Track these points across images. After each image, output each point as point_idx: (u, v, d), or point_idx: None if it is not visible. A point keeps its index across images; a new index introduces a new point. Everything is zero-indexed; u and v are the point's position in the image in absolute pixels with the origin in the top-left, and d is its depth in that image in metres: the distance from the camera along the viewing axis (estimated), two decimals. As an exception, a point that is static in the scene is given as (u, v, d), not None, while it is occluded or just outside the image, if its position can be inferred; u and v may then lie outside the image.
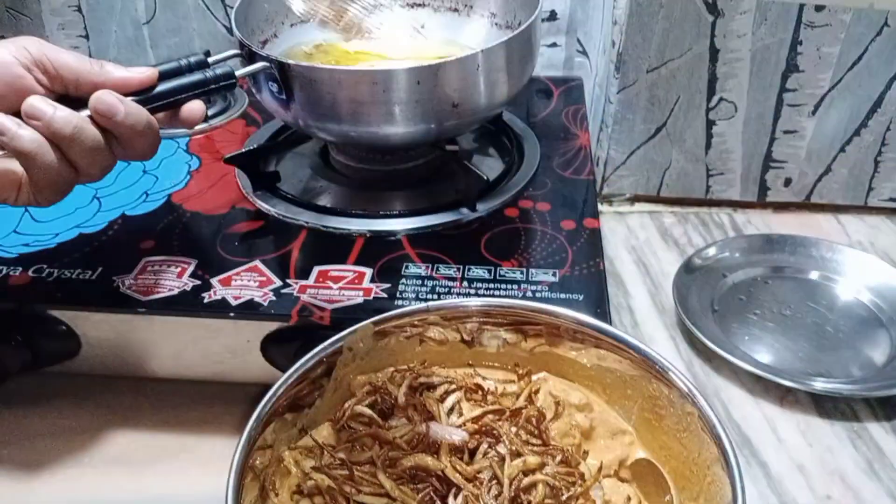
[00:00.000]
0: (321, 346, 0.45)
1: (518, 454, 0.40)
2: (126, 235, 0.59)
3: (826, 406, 0.55)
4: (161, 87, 0.48)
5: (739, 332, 0.61)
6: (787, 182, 0.75)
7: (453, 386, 0.45)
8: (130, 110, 0.45)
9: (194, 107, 0.50)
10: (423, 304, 0.48)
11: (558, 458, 0.41)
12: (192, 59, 0.51)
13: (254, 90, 0.61)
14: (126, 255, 0.56)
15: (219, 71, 0.51)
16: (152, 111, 0.47)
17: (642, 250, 0.71)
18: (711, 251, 0.68)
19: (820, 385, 0.55)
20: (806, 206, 0.76)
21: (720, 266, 0.67)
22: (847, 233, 0.73)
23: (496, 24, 0.72)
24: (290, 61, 0.55)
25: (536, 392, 0.46)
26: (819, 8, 0.66)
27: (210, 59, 0.52)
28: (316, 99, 0.56)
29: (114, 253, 0.57)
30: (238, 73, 0.52)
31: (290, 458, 0.42)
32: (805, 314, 0.63)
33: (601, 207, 0.76)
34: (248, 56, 0.57)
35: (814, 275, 0.66)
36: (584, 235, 0.58)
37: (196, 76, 0.50)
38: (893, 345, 0.59)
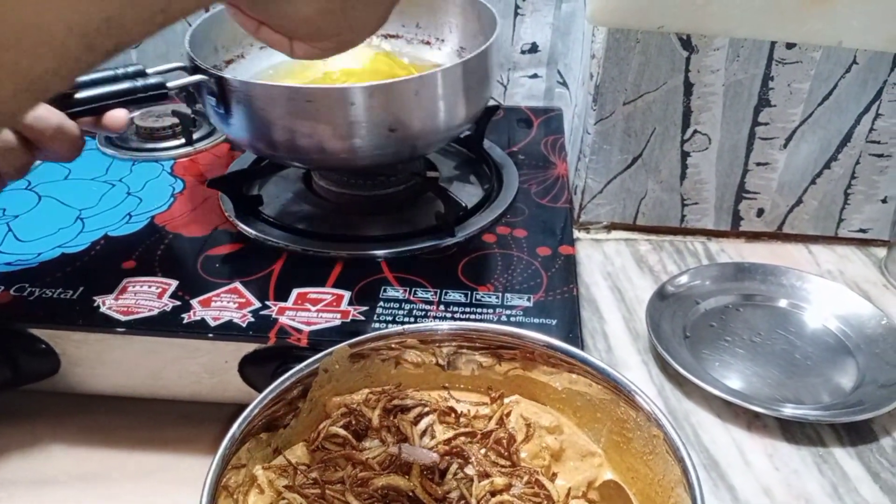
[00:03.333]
0: (297, 368, 0.46)
1: (486, 475, 0.41)
2: (108, 256, 0.59)
3: (793, 431, 0.56)
4: (82, 94, 0.50)
5: (710, 358, 0.62)
6: (760, 212, 0.77)
7: (427, 409, 0.46)
8: (38, 114, 0.46)
9: (116, 114, 0.52)
10: (399, 328, 0.49)
11: (525, 478, 0.41)
12: (130, 69, 0.52)
13: (200, 105, 0.62)
14: (107, 276, 0.57)
15: (150, 81, 0.52)
16: (73, 116, 0.49)
17: (617, 276, 0.72)
18: (684, 279, 0.69)
19: (788, 411, 0.56)
20: (778, 235, 0.78)
21: (693, 293, 0.68)
22: (817, 262, 0.75)
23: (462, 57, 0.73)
24: (228, 76, 0.56)
25: (508, 415, 0.47)
26: (790, 46, 0.68)
27: (151, 70, 0.54)
28: (251, 114, 0.57)
29: (95, 273, 0.57)
30: (171, 83, 0.54)
31: (264, 478, 0.43)
32: (775, 341, 0.64)
33: (578, 234, 0.78)
34: (192, 70, 0.58)
35: (783, 303, 0.68)
36: (559, 262, 0.59)
37: (124, 85, 0.51)
38: (860, 372, 0.60)
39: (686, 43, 0.68)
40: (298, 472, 0.42)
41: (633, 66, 0.70)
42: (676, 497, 0.40)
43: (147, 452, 0.54)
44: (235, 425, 0.42)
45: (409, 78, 0.56)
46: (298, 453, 0.45)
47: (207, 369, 0.54)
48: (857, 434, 0.56)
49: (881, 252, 0.76)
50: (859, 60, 0.68)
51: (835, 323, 0.65)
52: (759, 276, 0.70)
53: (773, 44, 0.68)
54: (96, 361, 0.54)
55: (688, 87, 0.71)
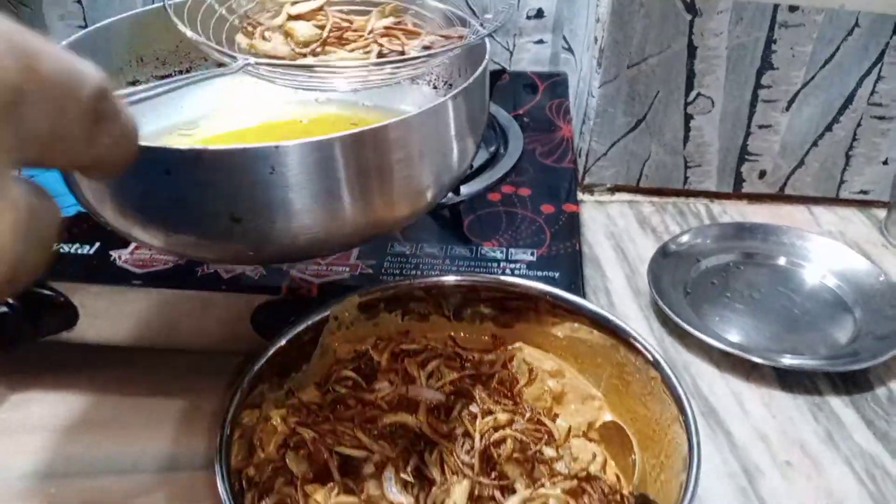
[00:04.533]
0: (309, 314, 0.48)
1: (489, 412, 0.43)
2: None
3: (790, 381, 0.58)
4: None
5: (711, 313, 0.64)
6: (762, 174, 0.78)
7: (433, 353, 0.48)
8: None
9: None
10: (406, 280, 0.50)
11: (527, 415, 0.43)
12: None
13: None
14: (124, 232, 0.58)
15: None
16: None
17: (621, 237, 0.74)
18: (686, 237, 0.70)
19: (786, 361, 0.57)
20: (779, 197, 0.79)
21: (694, 251, 0.69)
22: (818, 223, 0.76)
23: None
24: None
25: (511, 359, 0.49)
26: (793, 8, 0.69)
27: None
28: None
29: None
30: None
31: (277, 416, 0.45)
32: (774, 298, 0.65)
33: (582, 196, 0.79)
34: None
35: (783, 261, 0.69)
36: (562, 219, 0.60)
37: None
38: (857, 325, 0.62)
39: (690, 6, 0.69)
40: (310, 411, 0.44)
41: (637, 29, 0.71)
42: (672, 434, 0.42)
43: (161, 399, 0.56)
44: (253, 365, 0.44)
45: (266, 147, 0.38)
46: (310, 395, 0.47)
47: (221, 321, 0.56)
48: (852, 383, 0.57)
49: (881, 213, 0.77)
50: (861, 24, 0.69)
51: (833, 280, 0.67)
52: (760, 235, 0.71)
53: (776, 6, 0.69)
54: (113, 314, 0.56)
55: (691, 51, 0.72)
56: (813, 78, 0.72)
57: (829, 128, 0.75)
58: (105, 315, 0.57)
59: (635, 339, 0.46)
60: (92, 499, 0.50)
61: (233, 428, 0.41)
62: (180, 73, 0.59)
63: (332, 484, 0.39)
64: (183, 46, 0.58)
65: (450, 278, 0.51)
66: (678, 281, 0.66)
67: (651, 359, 0.45)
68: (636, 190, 0.80)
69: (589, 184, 0.80)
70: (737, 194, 0.79)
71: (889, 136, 0.75)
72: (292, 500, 0.39)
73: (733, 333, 0.61)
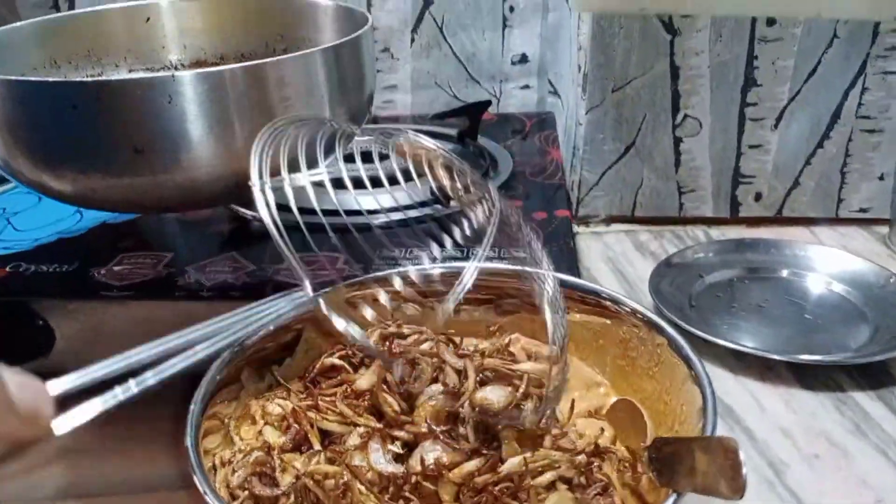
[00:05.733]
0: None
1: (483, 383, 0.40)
2: (106, 237, 0.60)
3: (809, 379, 0.54)
4: None
5: (718, 322, 0.61)
6: (758, 197, 0.77)
7: (424, 336, 0.45)
8: None
9: None
10: (395, 270, 0.48)
11: (521, 388, 0.40)
12: None
13: None
14: (104, 252, 0.57)
15: None
16: None
17: (618, 260, 0.71)
18: (687, 254, 0.68)
19: (804, 357, 0.54)
20: (778, 220, 0.78)
21: (696, 267, 0.67)
22: (821, 242, 0.74)
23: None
24: None
25: (508, 346, 0.46)
26: (770, 22, 0.70)
27: None
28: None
29: (91, 250, 0.57)
30: None
31: (257, 407, 0.41)
32: (783, 306, 0.63)
33: (577, 229, 0.77)
34: None
35: (788, 272, 0.67)
36: (555, 222, 0.59)
37: None
38: (872, 325, 0.59)
39: (668, 26, 0.70)
40: (291, 393, 0.41)
41: (618, 51, 0.71)
42: (685, 395, 0.39)
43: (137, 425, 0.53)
44: (227, 352, 0.41)
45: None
46: (296, 387, 0.43)
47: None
48: (875, 378, 0.54)
49: (884, 230, 0.75)
50: (840, 34, 0.70)
51: (840, 286, 0.64)
52: (761, 249, 0.69)
53: (753, 21, 0.70)
54: (91, 334, 0.54)
55: (674, 71, 0.72)
56: (798, 93, 0.72)
57: (820, 144, 0.74)
58: (82, 337, 0.54)
59: (636, 309, 0.44)
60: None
61: (204, 408, 0.38)
62: (93, 76, 0.60)
63: (311, 451, 0.35)
64: (95, 52, 0.60)
65: (440, 268, 0.49)
66: (682, 295, 0.64)
67: (655, 324, 0.42)
68: (632, 220, 0.79)
69: (583, 216, 0.79)
70: (735, 219, 0.78)
71: (881, 149, 0.74)
72: (269, 468, 0.35)
73: (744, 339, 0.58)
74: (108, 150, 0.42)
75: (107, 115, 0.41)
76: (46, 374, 0.54)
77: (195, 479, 0.33)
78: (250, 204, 0.60)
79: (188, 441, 0.35)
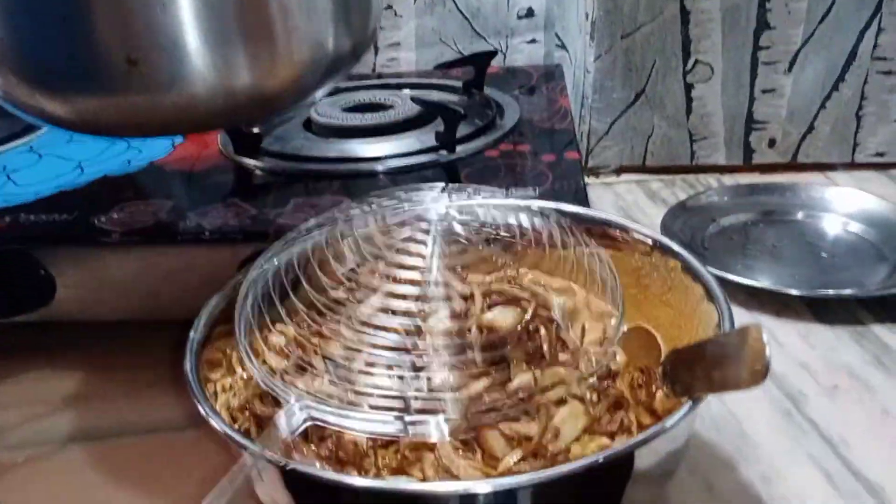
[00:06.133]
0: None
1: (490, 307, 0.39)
2: (106, 189, 0.59)
3: (826, 314, 0.53)
4: None
5: (732, 263, 0.59)
6: (772, 143, 0.75)
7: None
8: None
9: None
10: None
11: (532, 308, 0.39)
12: None
13: None
14: (105, 202, 0.56)
15: None
16: None
17: (630, 209, 0.70)
18: (700, 198, 0.67)
19: (821, 292, 0.53)
20: (793, 166, 0.76)
21: (709, 211, 0.66)
22: (837, 186, 0.72)
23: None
24: None
25: (515, 278, 0.45)
26: (782, -40, 0.68)
27: None
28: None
29: (92, 200, 0.56)
30: None
31: (260, 338, 0.40)
32: (798, 247, 0.61)
33: (588, 180, 0.76)
34: None
35: (801, 215, 0.65)
36: (564, 163, 0.57)
37: None
38: (890, 264, 0.57)
39: (678, -34, 0.68)
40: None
41: (627, -5, 0.70)
42: (701, 313, 0.38)
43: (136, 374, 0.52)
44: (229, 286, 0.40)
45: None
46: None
47: (205, 280, 0.52)
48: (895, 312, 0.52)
49: (902, 173, 0.73)
50: (854, -29, 0.68)
51: (857, 226, 0.62)
52: (777, 193, 0.68)
53: (765, -41, 0.68)
54: (92, 283, 0.53)
55: (685, 15, 0.70)
56: (812, 35, 0.70)
57: (835, 87, 0.73)
58: (83, 286, 0.53)
59: (646, 234, 0.43)
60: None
61: (206, 338, 0.37)
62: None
63: (314, 371, 0.35)
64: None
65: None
66: (695, 238, 0.62)
67: (667, 247, 0.41)
68: (643, 169, 0.77)
69: (593, 166, 0.77)
70: (748, 166, 0.76)
71: (898, 91, 0.72)
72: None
73: (759, 278, 0.57)
74: (101, 65, 0.40)
75: (98, 27, 0.39)
76: (49, 323, 0.54)
77: (194, 401, 0.33)
78: (250, 126, 0.59)
79: (187, 366, 0.34)
